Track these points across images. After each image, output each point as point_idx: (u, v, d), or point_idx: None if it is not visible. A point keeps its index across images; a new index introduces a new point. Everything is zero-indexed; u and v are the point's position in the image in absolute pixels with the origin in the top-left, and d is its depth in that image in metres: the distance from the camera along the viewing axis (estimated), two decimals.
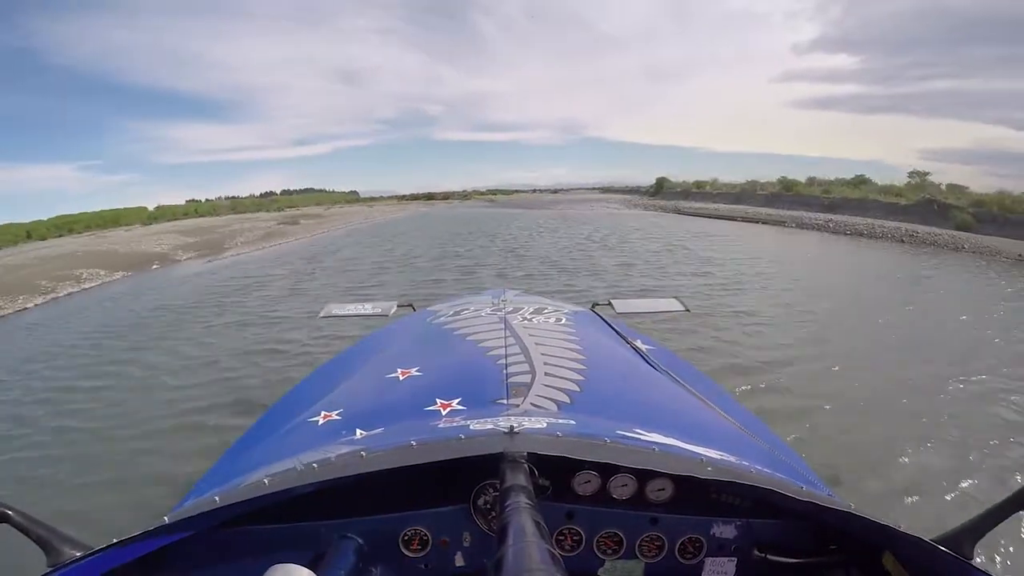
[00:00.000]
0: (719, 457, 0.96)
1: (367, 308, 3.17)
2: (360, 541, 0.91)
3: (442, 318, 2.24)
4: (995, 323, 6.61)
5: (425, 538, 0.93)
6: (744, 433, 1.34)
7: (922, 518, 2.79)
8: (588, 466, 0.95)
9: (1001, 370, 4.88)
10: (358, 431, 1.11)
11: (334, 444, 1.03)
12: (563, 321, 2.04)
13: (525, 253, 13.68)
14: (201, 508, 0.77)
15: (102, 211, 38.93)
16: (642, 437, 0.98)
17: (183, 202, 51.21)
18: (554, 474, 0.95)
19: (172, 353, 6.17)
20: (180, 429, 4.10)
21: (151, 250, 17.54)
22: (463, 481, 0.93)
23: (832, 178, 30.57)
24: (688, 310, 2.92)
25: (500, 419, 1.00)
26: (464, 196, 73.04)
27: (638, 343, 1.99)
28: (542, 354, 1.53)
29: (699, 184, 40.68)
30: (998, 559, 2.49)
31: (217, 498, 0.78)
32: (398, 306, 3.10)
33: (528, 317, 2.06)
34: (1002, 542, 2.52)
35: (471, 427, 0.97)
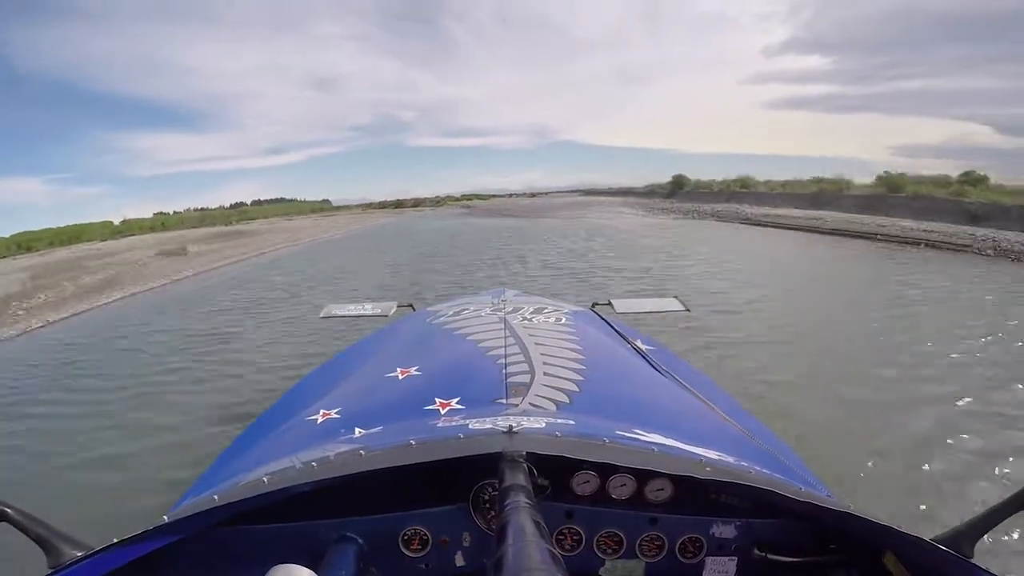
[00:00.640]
0: (718, 457, 0.96)
1: (367, 308, 3.18)
2: (360, 541, 0.91)
3: (442, 318, 2.24)
4: None
5: (425, 538, 0.93)
6: (743, 433, 1.34)
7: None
8: (587, 466, 0.95)
9: None
10: (357, 430, 1.11)
11: (333, 443, 1.03)
12: (563, 321, 2.04)
13: None
14: (200, 507, 0.77)
15: (64, 227, 38.35)
16: (641, 437, 0.98)
17: (151, 215, 50.96)
18: (553, 474, 0.95)
19: None
20: None
21: None
22: (462, 481, 0.93)
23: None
24: (688, 310, 2.91)
25: (499, 419, 1.00)
26: (437, 202, 67.12)
27: (638, 343, 1.99)
28: (541, 354, 1.53)
29: (744, 183, 32.25)
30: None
31: (216, 497, 0.78)
32: (398, 306, 3.10)
33: (528, 317, 2.06)
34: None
35: (470, 426, 0.97)
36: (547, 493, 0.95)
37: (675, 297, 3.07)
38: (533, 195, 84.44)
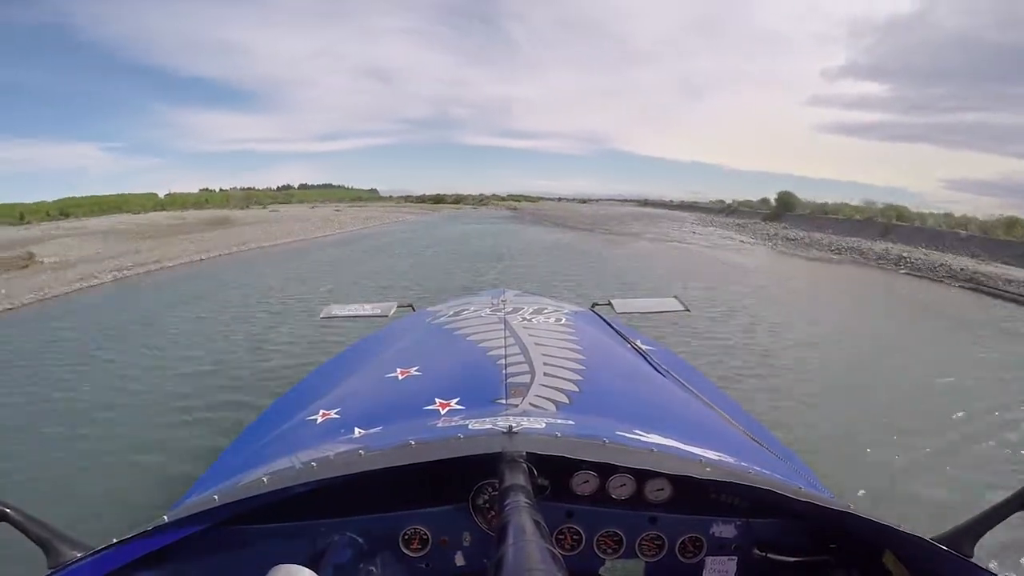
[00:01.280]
0: (717, 457, 0.96)
1: (367, 308, 3.18)
2: (360, 540, 0.91)
3: (442, 318, 2.24)
4: None
5: (425, 537, 0.93)
6: (743, 433, 1.34)
7: None
8: (587, 466, 0.95)
9: None
10: (357, 430, 1.11)
11: (333, 443, 1.03)
12: (563, 321, 2.04)
13: None
14: (200, 507, 0.77)
15: (107, 196, 39.10)
16: (641, 437, 0.98)
17: (197, 190, 51.28)
18: (553, 474, 0.95)
19: None
20: None
21: None
22: (462, 481, 0.93)
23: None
24: (688, 309, 2.91)
25: (499, 419, 1.00)
26: (480, 200, 60.36)
27: (638, 343, 1.99)
28: (542, 354, 1.53)
29: (900, 213, 22.51)
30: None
31: (216, 497, 0.78)
32: (398, 306, 3.10)
33: (528, 317, 2.06)
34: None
35: (470, 427, 0.97)
36: (547, 493, 0.95)
37: (675, 297, 3.07)
38: (584, 201, 77.91)
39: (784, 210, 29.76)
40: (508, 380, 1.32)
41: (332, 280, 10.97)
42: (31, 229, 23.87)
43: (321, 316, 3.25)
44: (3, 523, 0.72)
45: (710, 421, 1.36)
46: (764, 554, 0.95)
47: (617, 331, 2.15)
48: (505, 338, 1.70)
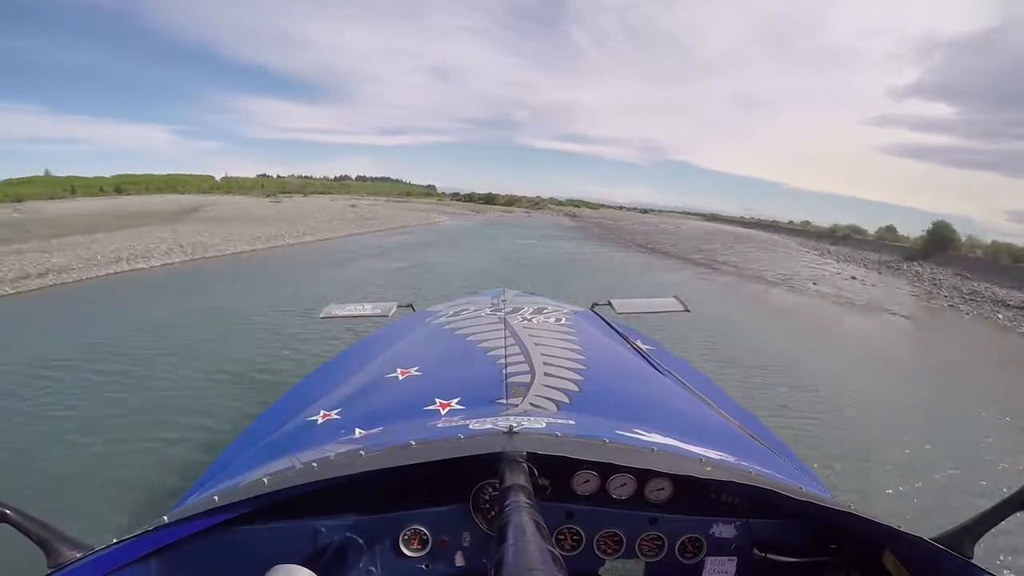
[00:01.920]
0: (718, 457, 0.96)
1: (367, 308, 3.17)
2: (360, 540, 0.91)
3: (442, 318, 2.24)
4: None
5: (425, 538, 0.93)
6: (743, 433, 1.34)
7: None
8: (587, 466, 0.95)
9: None
10: (357, 430, 1.11)
11: (333, 443, 1.03)
12: (563, 321, 2.04)
13: None
14: (200, 507, 0.77)
15: (162, 175, 39.56)
16: (641, 437, 0.98)
17: (255, 175, 51.64)
18: (553, 474, 0.95)
19: None
20: None
21: None
22: (462, 481, 0.93)
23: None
24: (688, 309, 2.91)
25: (499, 419, 1.00)
26: (535, 204, 50.78)
27: (638, 343, 1.99)
28: (542, 354, 1.53)
29: None
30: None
31: (216, 497, 0.78)
32: (398, 306, 3.10)
33: (528, 317, 2.06)
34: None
35: (470, 427, 0.97)
36: (547, 493, 0.95)
37: (675, 297, 3.07)
38: (645, 211, 69.26)
39: (937, 247, 20.37)
40: (508, 380, 1.32)
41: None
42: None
43: (321, 316, 3.25)
44: (3, 523, 0.72)
45: (710, 421, 1.36)
46: (764, 554, 0.95)
47: (617, 331, 2.15)
48: (505, 338, 1.70)
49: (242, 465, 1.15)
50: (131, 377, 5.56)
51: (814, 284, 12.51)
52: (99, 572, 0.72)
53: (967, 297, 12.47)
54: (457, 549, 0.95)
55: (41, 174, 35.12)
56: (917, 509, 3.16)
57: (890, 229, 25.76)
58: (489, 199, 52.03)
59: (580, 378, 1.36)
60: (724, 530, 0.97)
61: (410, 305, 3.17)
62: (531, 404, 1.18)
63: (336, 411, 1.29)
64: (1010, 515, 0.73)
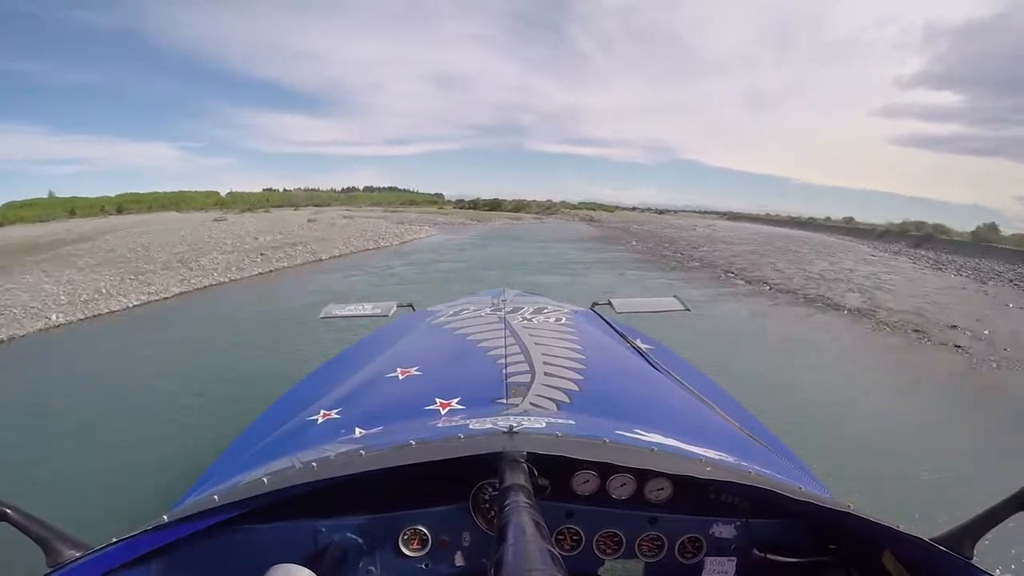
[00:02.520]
0: (718, 457, 0.96)
1: (367, 308, 3.17)
2: (360, 540, 0.91)
3: (442, 318, 2.24)
4: None
5: (425, 537, 0.93)
6: (743, 433, 1.34)
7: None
8: (587, 466, 0.95)
9: None
10: (357, 430, 1.11)
11: (333, 443, 1.03)
12: (563, 321, 2.04)
13: None
14: (200, 507, 0.77)
15: (166, 192, 39.18)
16: (641, 437, 0.98)
17: (260, 189, 51.33)
18: (553, 474, 0.95)
19: None
20: None
21: None
22: (462, 480, 0.93)
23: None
24: (688, 309, 2.91)
25: (499, 419, 1.00)
26: (547, 208, 44.47)
27: (638, 342, 1.99)
28: (542, 354, 1.53)
29: None
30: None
31: (216, 497, 0.78)
32: (398, 306, 3.10)
33: (528, 317, 2.06)
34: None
35: (470, 426, 0.97)
36: (547, 493, 0.95)
37: (675, 296, 3.07)
38: (661, 212, 66.44)
39: None
40: (508, 380, 1.32)
41: None
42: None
43: (321, 316, 3.25)
44: (3, 523, 0.72)
45: (711, 421, 1.36)
46: (764, 554, 0.95)
47: (617, 331, 2.15)
48: (505, 338, 1.70)
49: (242, 465, 1.15)
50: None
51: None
52: (99, 571, 0.72)
53: None
54: (457, 549, 0.95)
55: (45, 196, 35.15)
56: None
57: (992, 228, 20.88)
58: (494, 205, 45.16)
59: (580, 378, 1.36)
60: (724, 530, 0.97)
61: (410, 305, 3.17)
62: (531, 404, 1.18)
63: (336, 411, 1.29)
64: (1010, 515, 0.73)
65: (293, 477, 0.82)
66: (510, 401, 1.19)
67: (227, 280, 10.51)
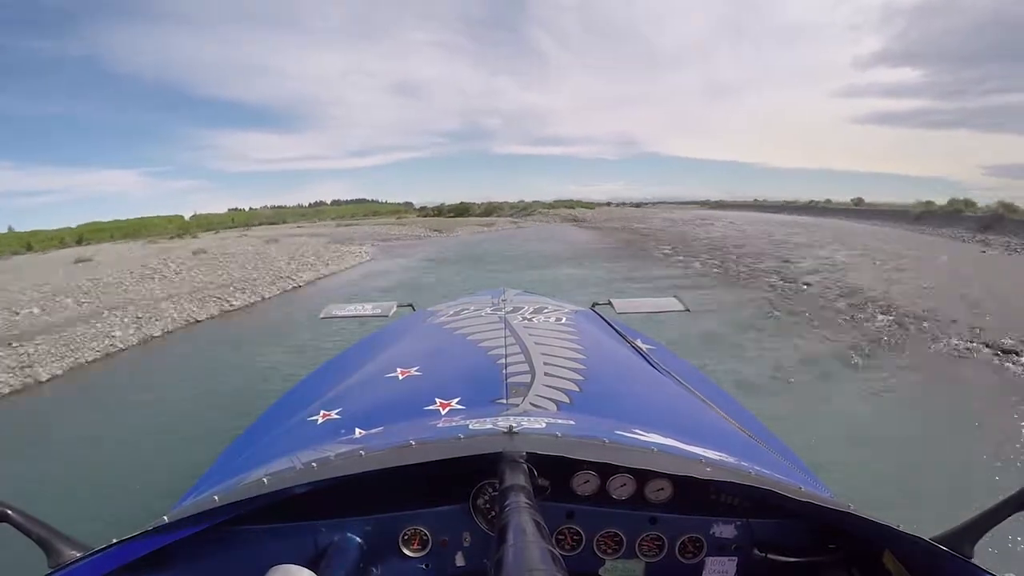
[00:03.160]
0: (718, 457, 0.96)
1: (367, 308, 3.17)
2: (360, 540, 0.91)
3: (442, 318, 2.24)
4: None
5: (425, 538, 0.93)
6: (744, 433, 1.34)
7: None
8: (587, 466, 0.95)
9: None
10: (357, 430, 1.11)
11: (333, 443, 1.03)
12: (563, 321, 2.03)
13: None
14: (200, 507, 0.77)
15: (128, 220, 38.05)
16: (641, 437, 0.98)
17: (225, 211, 50.88)
18: (553, 474, 0.95)
19: None
20: None
21: None
22: (462, 481, 0.93)
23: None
24: (688, 309, 2.91)
25: (499, 419, 1.00)
26: (524, 209, 41.21)
27: (638, 343, 1.99)
28: (542, 354, 1.53)
29: None
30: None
31: (216, 497, 0.78)
32: (398, 306, 3.10)
33: (528, 317, 2.06)
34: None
35: (470, 427, 0.97)
36: (547, 493, 0.95)
37: (675, 297, 3.07)
38: (638, 205, 65.02)
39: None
40: (508, 380, 1.32)
41: None
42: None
43: (321, 316, 3.25)
44: (3, 523, 0.72)
45: (711, 421, 1.36)
46: (764, 554, 0.95)
47: (617, 331, 2.15)
48: (505, 337, 1.70)
49: (242, 465, 1.15)
50: None
51: None
52: (99, 572, 0.72)
53: None
54: (457, 549, 0.95)
55: (4, 231, 32.92)
56: None
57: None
58: (461, 210, 39.61)
59: (580, 378, 1.36)
60: (724, 530, 0.97)
61: (410, 305, 3.17)
62: (531, 404, 1.18)
63: (336, 411, 1.29)
64: (1010, 515, 0.73)
65: (293, 477, 0.82)
66: (510, 401, 1.19)
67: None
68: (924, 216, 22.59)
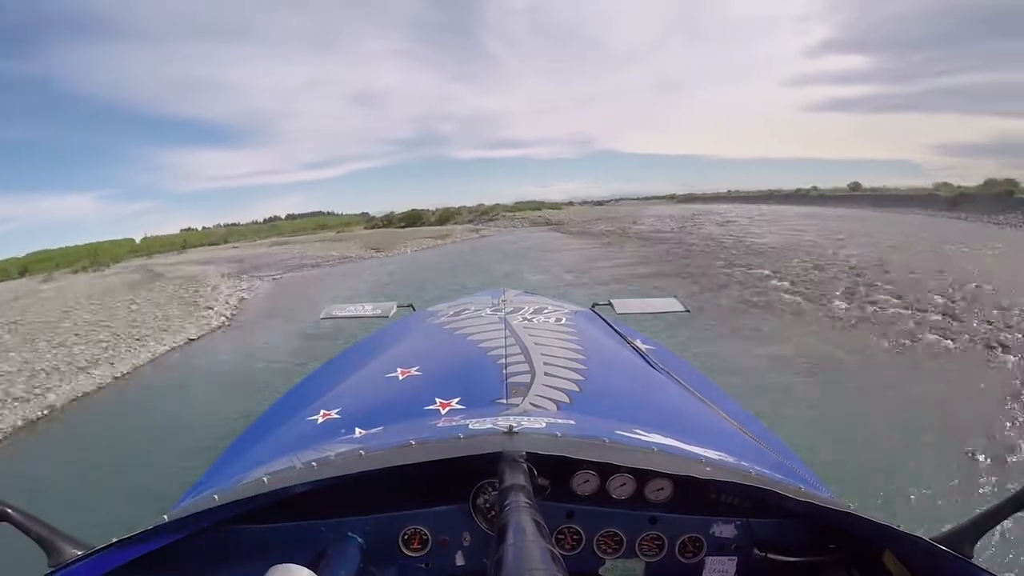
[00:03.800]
0: (718, 457, 0.96)
1: (367, 309, 3.17)
2: (360, 540, 0.91)
3: (442, 318, 2.24)
4: None
5: (425, 537, 0.93)
6: (743, 433, 1.34)
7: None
8: (587, 466, 0.95)
9: None
10: (357, 430, 1.11)
11: (333, 443, 1.03)
12: (563, 321, 2.03)
13: None
14: (200, 507, 0.77)
15: (77, 246, 36.78)
16: (641, 437, 0.98)
17: (178, 231, 49.51)
18: (553, 474, 0.95)
19: None
20: None
21: None
22: (462, 480, 0.93)
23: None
24: (688, 310, 2.91)
25: (499, 419, 1.00)
26: (485, 214, 36.70)
27: (638, 343, 1.99)
28: (542, 354, 1.53)
29: None
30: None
31: (216, 497, 0.78)
32: (398, 306, 3.10)
33: (528, 317, 2.06)
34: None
35: (470, 426, 0.97)
36: (547, 493, 0.95)
37: (674, 297, 3.07)
38: (600, 203, 62.85)
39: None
40: (508, 380, 1.32)
41: None
42: None
43: (321, 317, 3.25)
44: (3, 523, 0.72)
45: (710, 421, 1.36)
46: (764, 554, 0.95)
47: (617, 331, 2.15)
48: (505, 338, 1.70)
49: (242, 465, 1.15)
50: None
51: None
52: (99, 571, 0.72)
53: None
54: (457, 549, 0.95)
55: None
56: None
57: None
58: (412, 218, 34.17)
59: (580, 378, 1.36)
60: (724, 530, 0.97)
61: (410, 305, 3.17)
62: (531, 404, 1.18)
63: (336, 411, 1.29)
64: (1010, 515, 0.73)
65: (293, 477, 0.82)
66: (510, 401, 1.19)
67: None
68: (959, 201, 17.79)
